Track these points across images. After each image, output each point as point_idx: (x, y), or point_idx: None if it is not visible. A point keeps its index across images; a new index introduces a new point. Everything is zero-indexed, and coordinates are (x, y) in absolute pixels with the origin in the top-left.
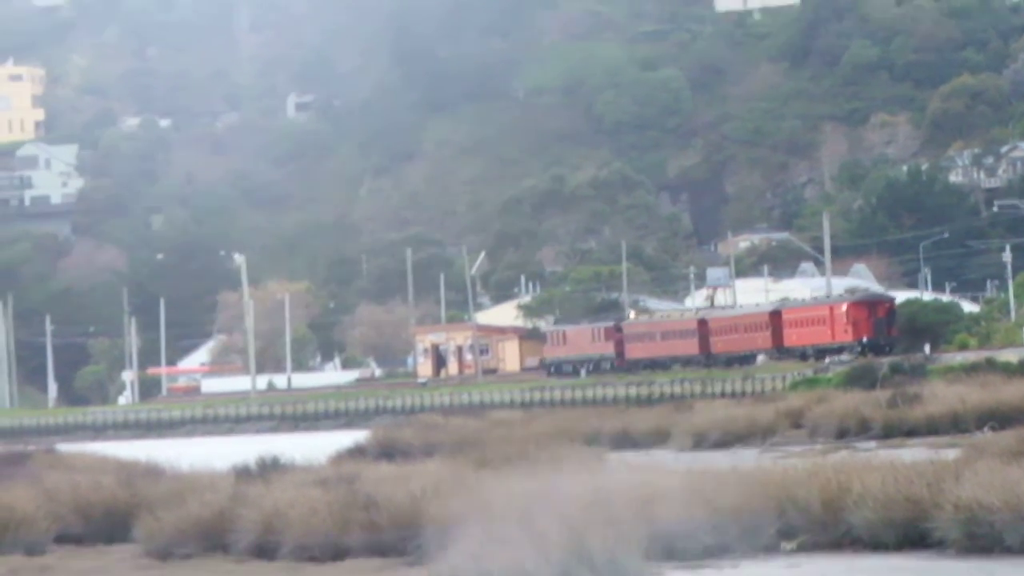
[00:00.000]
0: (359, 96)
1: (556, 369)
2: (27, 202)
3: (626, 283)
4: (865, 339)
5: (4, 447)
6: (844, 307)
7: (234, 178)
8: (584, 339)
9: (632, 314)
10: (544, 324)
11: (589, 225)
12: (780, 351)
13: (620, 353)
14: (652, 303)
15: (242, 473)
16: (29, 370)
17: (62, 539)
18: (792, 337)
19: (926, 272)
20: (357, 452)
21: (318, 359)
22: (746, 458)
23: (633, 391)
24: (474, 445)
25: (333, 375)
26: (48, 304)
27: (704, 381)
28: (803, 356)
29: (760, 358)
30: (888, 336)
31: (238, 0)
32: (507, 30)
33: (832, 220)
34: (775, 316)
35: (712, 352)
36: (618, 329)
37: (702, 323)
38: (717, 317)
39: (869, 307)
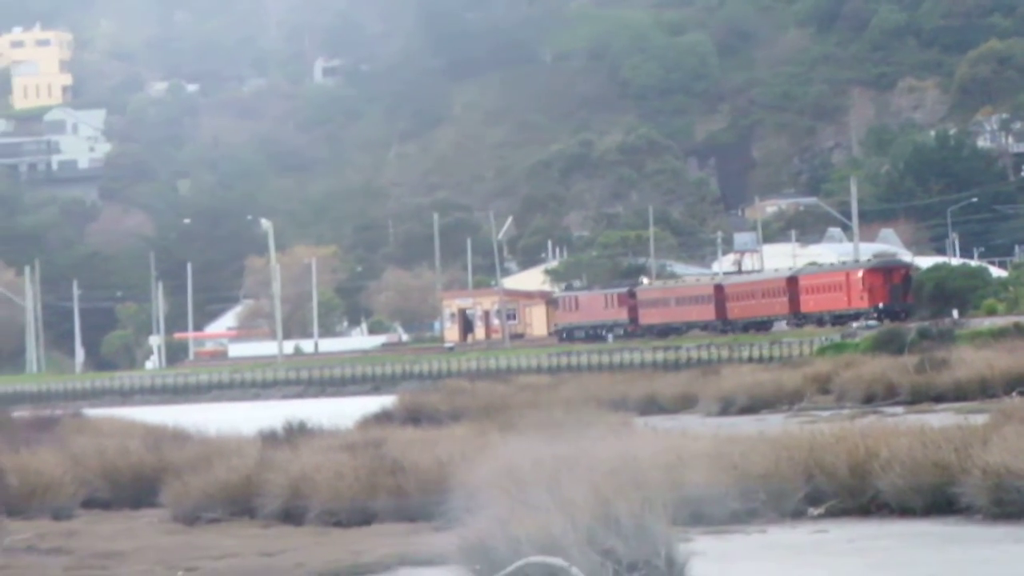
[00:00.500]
0: (386, 61)
1: (568, 335)
2: (55, 167)
3: (653, 248)
4: (881, 305)
5: (32, 412)
6: (860, 273)
7: (261, 143)
8: (597, 305)
9: (645, 280)
10: (555, 289)
11: (616, 190)
12: (797, 317)
13: (634, 319)
14: (679, 268)
15: (269, 438)
16: (57, 335)
17: (89, 504)
18: (809, 303)
19: (954, 237)
20: (384, 417)
21: (345, 324)
22: (773, 423)
23: (660, 356)
24: (501, 410)
25: (360, 340)
26: (75, 269)
27: (731, 346)
28: (819, 322)
29: (781, 325)
30: (904, 302)
31: None
32: None
33: (860, 185)
34: (792, 282)
35: (728, 318)
36: (632, 295)
37: (718, 289)
38: (734, 283)
39: (885, 273)
